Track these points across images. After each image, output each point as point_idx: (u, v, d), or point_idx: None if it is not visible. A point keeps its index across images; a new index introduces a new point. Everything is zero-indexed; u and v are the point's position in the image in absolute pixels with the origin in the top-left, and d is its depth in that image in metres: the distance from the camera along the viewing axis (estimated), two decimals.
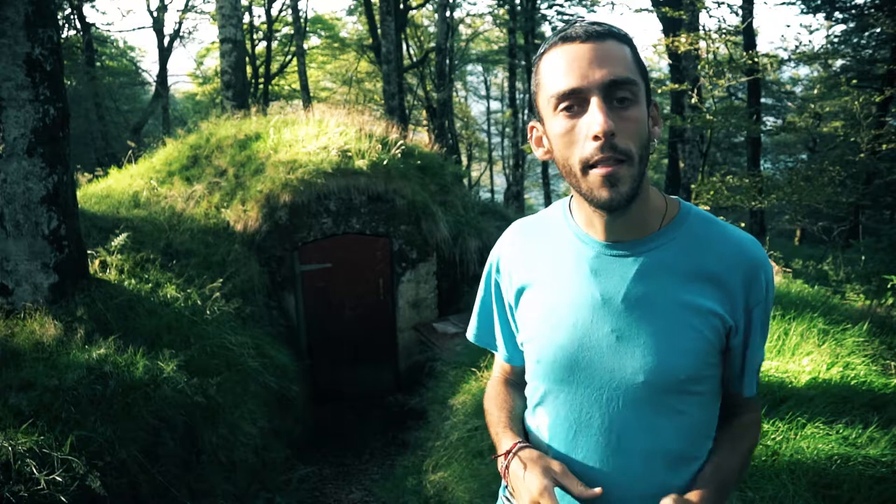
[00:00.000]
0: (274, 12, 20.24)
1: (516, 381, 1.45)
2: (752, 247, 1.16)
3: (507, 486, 1.36)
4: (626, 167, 1.05)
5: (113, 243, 4.81)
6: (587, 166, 1.06)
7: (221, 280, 5.03)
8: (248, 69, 17.50)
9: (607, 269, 1.17)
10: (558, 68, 1.07)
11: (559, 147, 1.09)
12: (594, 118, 1.03)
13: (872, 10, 11.89)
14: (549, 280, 1.24)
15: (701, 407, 1.18)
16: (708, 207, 8.14)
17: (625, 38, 1.09)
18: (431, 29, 21.98)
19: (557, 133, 1.09)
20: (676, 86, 9.77)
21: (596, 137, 1.03)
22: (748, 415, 1.27)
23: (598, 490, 1.11)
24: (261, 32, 20.84)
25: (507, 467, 1.20)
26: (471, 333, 1.47)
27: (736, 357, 1.19)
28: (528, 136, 1.22)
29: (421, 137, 13.40)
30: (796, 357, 3.79)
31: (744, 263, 1.14)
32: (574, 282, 1.19)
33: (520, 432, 1.30)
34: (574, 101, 1.06)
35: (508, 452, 1.21)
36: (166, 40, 19.35)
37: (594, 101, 1.03)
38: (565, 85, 1.05)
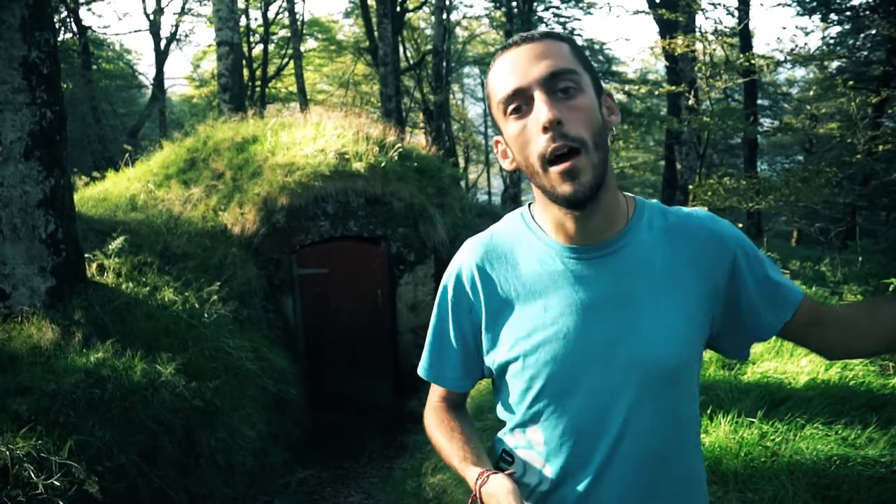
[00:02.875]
0: (270, 15, 20.23)
1: (457, 403, 1.43)
2: (706, 217, 1.20)
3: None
4: (584, 157, 1.05)
5: (110, 247, 4.80)
6: (546, 162, 1.06)
7: (219, 283, 5.02)
8: (245, 72, 17.48)
9: (588, 273, 1.16)
10: (501, 75, 1.10)
11: (517, 150, 1.11)
12: (539, 111, 1.04)
13: (868, 12, 11.92)
14: (527, 295, 1.21)
15: (689, 394, 1.20)
16: (706, 209, 8.14)
17: (563, 37, 1.12)
18: (428, 31, 21.98)
19: (512, 136, 1.10)
20: (673, 88, 9.79)
21: (545, 129, 1.04)
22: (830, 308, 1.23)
23: None
24: (257, 35, 20.82)
25: (481, 501, 1.18)
26: (422, 369, 1.40)
27: (743, 310, 1.18)
28: (495, 150, 1.22)
29: (418, 140, 13.42)
30: (795, 358, 3.80)
31: (708, 234, 1.17)
32: (555, 291, 1.18)
33: (480, 458, 1.26)
34: (520, 101, 1.08)
35: (475, 492, 1.19)
36: (163, 43, 19.33)
37: (537, 96, 1.05)
38: (509, 87, 1.08)
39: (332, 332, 6.45)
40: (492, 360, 1.27)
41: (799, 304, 1.18)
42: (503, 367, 1.24)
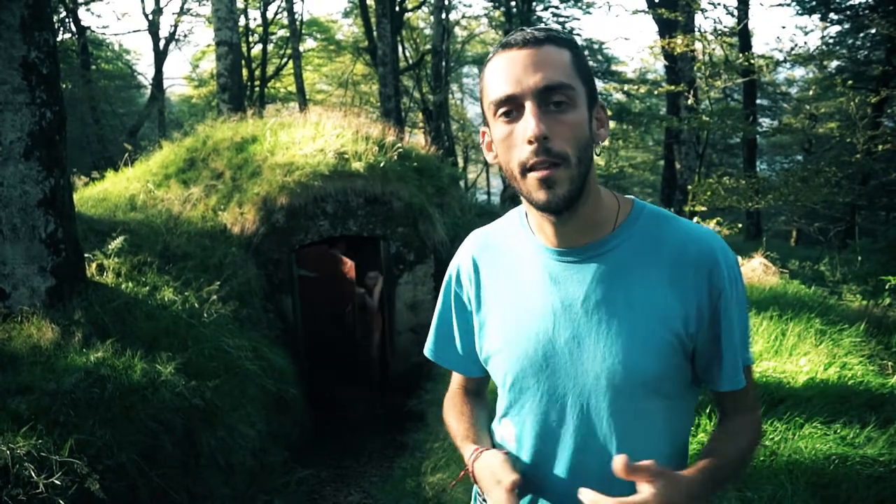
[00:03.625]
0: (270, 15, 20.23)
1: (475, 390, 1.47)
2: (706, 238, 1.15)
3: (478, 493, 1.40)
4: (563, 169, 1.06)
5: (110, 246, 4.80)
6: (525, 169, 1.08)
7: (219, 283, 5.02)
8: (244, 72, 17.48)
9: (565, 276, 1.17)
10: (496, 75, 1.09)
11: (501, 151, 1.12)
12: (528, 123, 1.05)
13: (867, 12, 11.94)
14: (510, 290, 1.24)
15: (667, 409, 1.17)
16: (705, 208, 8.16)
17: (565, 43, 1.10)
18: (427, 31, 21.98)
19: (498, 138, 1.11)
20: (672, 87, 9.80)
21: (530, 142, 1.05)
22: (742, 416, 1.22)
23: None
24: (256, 35, 20.82)
25: (473, 476, 1.26)
26: (428, 349, 1.45)
27: (706, 352, 1.15)
28: (481, 141, 1.24)
29: (417, 140, 13.41)
30: (794, 357, 3.80)
31: (700, 257, 1.12)
32: (534, 290, 1.20)
33: (480, 438, 1.33)
34: (511, 107, 1.08)
35: (469, 464, 1.27)
36: (162, 43, 19.33)
37: (528, 107, 1.05)
38: (502, 92, 1.08)
39: (333, 331, 6.46)
40: (479, 349, 1.32)
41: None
42: (487, 359, 1.30)
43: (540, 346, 1.18)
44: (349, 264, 6.21)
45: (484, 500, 1.36)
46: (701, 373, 1.19)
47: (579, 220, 1.14)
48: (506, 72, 1.07)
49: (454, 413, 1.40)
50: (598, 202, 1.16)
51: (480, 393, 1.47)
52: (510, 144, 1.09)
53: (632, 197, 1.24)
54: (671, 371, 1.14)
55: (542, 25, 1.07)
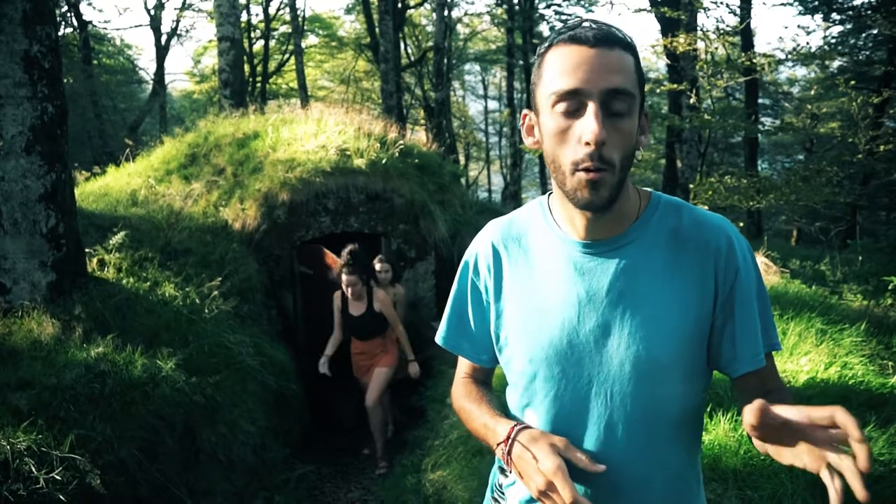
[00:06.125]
0: (272, 10, 20.23)
1: (483, 380, 1.47)
2: (721, 224, 1.20)
3: (496, 487, 1.39)
4: (609, 174, 1.08)
5: (111, 242, 4.80)
6: (576, 169, 1.09)
7: (220, 279, 5.02)
8: (246, 68, 17.46)
9: (590, 267, 1.20)
10: (562, 67, 1.08)
11: (550, 143, 1.12)
12: (589, 125, 1.05)
13: (870, 12, 11.92)
14: (533, 280, 1.26)
15: (685, 393, 1.20)
16: (706, 207, 8.15)
17: (631, 48, 1.11)
18: (430, 28, 21.97)
19: (551, 130, 1.11)
20: (674, 86, 9.78)
21: (587, 143, 1.05)
22: (780, 390, 1.22)
23: (601, 467, 1.14)
24: (258, 31, 20.82)
25: (508, 453, 1.20)
26: (440, 337, 1.46)
27: (724, 332, 1.19)
28: (521, 122, 1.25)
29: (419, 137, 13.41)
30: (794, 357, 3.80)
31: (716, 241, 1.17)
32: (558, 281, 1.22)
33: (510, 418, 1.31)
34: (572, 103, 1.08)
35: (508, 438, 1.21)
36: (163, 38, 19.32)
37: (591, 108, 1.06)
38: (567, 85, 1.07)
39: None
40: (496, 337, 1.33)
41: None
42: (506, 347, 1.30)
43: (565, 335, 1.20)
44: (337, 263, 6.14)
45: (502, 493, 1.36)
46: (717, 355, 1.21)
47: (611, 214, 1.17)
48: (574, 67, 1.07)
49: (472, 397, 1.39)
50: (626, 198, 1.20)
51: (488, 384, 1.48)
52: (564, 139, 1.09)
53: (649, 189, 1.27)
54: (690, 356, 1.18)
55: (604, 22, 1.08)
